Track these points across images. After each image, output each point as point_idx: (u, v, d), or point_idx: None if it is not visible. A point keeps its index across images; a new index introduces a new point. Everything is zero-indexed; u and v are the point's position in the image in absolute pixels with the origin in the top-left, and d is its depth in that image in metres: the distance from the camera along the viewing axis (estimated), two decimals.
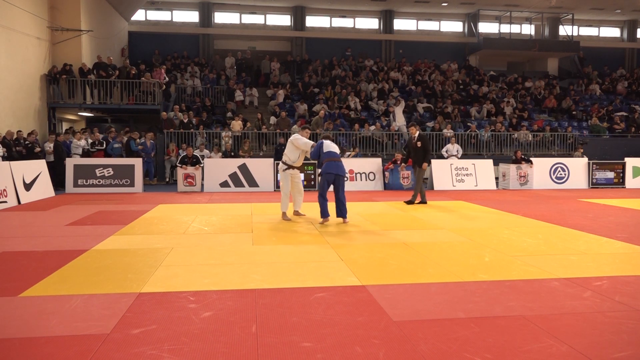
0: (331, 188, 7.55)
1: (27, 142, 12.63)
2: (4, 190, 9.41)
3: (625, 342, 3.13)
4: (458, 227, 7.18)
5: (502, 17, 25.47)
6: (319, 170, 7.76)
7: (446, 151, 15.31)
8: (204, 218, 7.98)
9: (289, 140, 7.94)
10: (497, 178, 14.17)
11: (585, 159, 14.80)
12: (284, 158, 7.83)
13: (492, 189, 13.54)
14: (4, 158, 11.42)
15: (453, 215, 8.54)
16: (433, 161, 13.82)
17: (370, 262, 5.12)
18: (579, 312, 3.66)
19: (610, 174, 14.23)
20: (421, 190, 9.94)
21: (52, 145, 13.02)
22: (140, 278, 4.44)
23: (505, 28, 25.65)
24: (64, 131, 15.76)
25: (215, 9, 24.19)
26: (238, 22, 24.63)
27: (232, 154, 14.63)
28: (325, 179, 7.46)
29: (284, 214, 7.86)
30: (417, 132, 9.90)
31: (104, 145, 13.93)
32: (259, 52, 23.00)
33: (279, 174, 8.17)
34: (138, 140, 14.31)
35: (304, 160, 8.27)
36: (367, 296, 3.98)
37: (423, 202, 9.93)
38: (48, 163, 11.87)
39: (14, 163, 10.28)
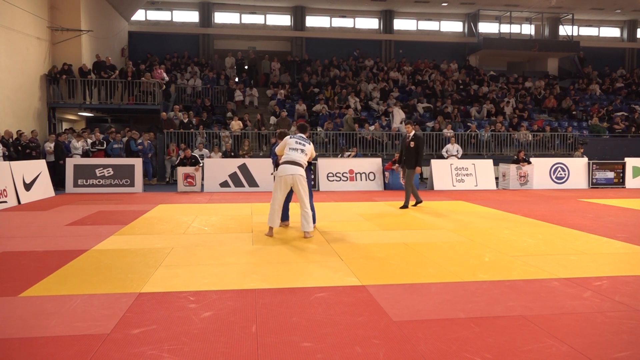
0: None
1: (25, 142, 12.62)
2: (4, 190, 9.41)
3: (625, 342, 3.13)
4: (458, 227, 7.18)
5: (502, 17, 25.47)
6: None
7: (446, 151, 15.30)
8: (204, 218, 7.98)
9: (308, 142, 6.51)
10: (497, 178, 14.17)
11: (585, 159, 14.79)
12: (304, 161, 6.41)
13: (492, 189, 13.53)
14: (4, 158, 11.42)
15: (453, 215, 8.54)
16: (433, 161, 13.82)
17: (370, 262, 5.11)
18: (579, 312, 3.66)
19: (610, 174, 14.22)
20: (413, 190, 9.43)
21: (52, 145, 13.02)
22: (140, 278, 4.44)
23: (505, 28, 25.66)
24: (64, 131, 15.76)
25: (215, 9, 24.19)
26: (238, 22, 24.63)
27: (232, 154, 14.63)
28: None
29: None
30: (413, 132, 9.37)
31: (104, 145, 13.93)
32: (259, 52, 23.00)
33: (303, 182, 6.31)
34: (138, 140, 14.32)
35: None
36: (367, 296, 3.98)
37: (419, 202, 9.51)
38: (48, 163, 11.88)
39: (14, 163, 10.27)
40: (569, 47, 25.32)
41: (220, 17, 24.46)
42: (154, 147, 14.71)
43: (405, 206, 9.34)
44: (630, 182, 14.31)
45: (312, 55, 23.14)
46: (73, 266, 4.87)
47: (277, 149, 6.66)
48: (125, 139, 14.36)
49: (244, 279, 4.44)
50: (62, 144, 13.28)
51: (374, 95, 20.02)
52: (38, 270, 4.68)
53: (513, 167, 13.70)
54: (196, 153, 13.61)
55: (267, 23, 24.84)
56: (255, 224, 7.40)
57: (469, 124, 18.33)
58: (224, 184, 12.62)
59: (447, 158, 14.89)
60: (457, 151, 15.24)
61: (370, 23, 25.79)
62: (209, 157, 13.84)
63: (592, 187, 14.02)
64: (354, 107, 18.80)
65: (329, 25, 25.39)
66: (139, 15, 23.47)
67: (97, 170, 12.13)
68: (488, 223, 7.63)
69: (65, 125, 17.94)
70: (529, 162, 13.79)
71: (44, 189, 10.99)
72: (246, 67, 21.28)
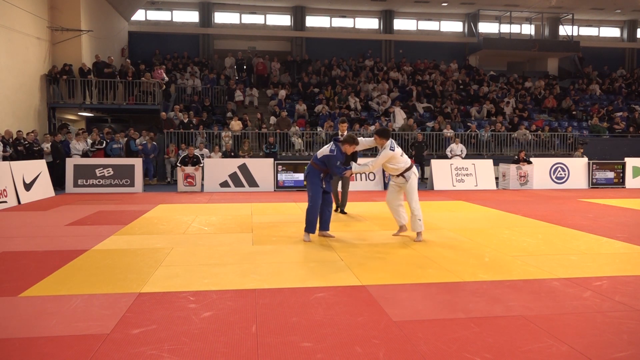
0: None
1: (26, 142, 12.61)
2: (4, 190, 9.41)
3: (625, 342, 3.13)
4: (458, 227, 7.18)
5: (502, 17, 25.47)
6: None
7: (450, 151, 15.29)
8: (204, 218, 7.97)
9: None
10: (497, 178, 14.16)
11: (585, 159, 14.78)
12: None
13: (492, 189, 13.53)
14: (4, 158, 11.41)
15: (453, 215, 8.54)
16: (433, 161, 13.82)
17: (370, 262, 5.11)
18: (579, 312, 3.66)
19: (610, 174, 14.22)
20: (336, 193, 8.40)
21: (49, 145, 12.98)
22: (140, 278, 4.44)
23: (505, 28, 25.65)
24: (59, 126, 15.71)
25: (215, 9, 24.19)
26: (238, 22, 24.63)
27: (232, 154, 14.64)
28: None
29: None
30: (346, 132, 8.17)
31: (103, 145, 13.93)
32: (259, 52, 23.02)
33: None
34: (138, 140, 14.31)
35: None
36: (367, 296, 3.98)
37: (337, 208, 8.52)
38: (46, 163, 11.86)
39: (14, 163, 10.28)
40: (569, 47, 25.32)
41: (220, 17, 24.46)
42: (157, 148, 14.69)
43: (339, 209, 8.55)
44: (630, 182, 14.30)
45: (312, 55, 23.14)
46: (73, 266, 4.87)
47: (385, 159, 6.18)
48: (125, 139, 14.35)
49: (244, 279, 4.44)
50: (59, 144, 13.22)
51: (374, 95, 20.02)
52: (38, 270, 4.68)
53: (513, 167, 13.70)
54: (196, 153, 13.61)
55: (267, 23, 24.84)
56: (255, 224, 7.40)
57: (469, 124, 18.33)
58: (224, 184, 12.62)
59: (450, 158, 14.87)
60: (462, 151, 15.22)
61: (370, 23, 25.79)
62: (209, 157, 13.84)
63: (592, 187, 14.01)
64: (354, 107, 18.80)
65: (329, 25, 25.39)
66: (139, 15, 23.48)
67: (97, 170, 12.12)
68: (488, 223, 7.63)
69: None
70: (530, 162, 13.79)
71: (44, 189, 10.99)
72: (245, 67, 21.32)
